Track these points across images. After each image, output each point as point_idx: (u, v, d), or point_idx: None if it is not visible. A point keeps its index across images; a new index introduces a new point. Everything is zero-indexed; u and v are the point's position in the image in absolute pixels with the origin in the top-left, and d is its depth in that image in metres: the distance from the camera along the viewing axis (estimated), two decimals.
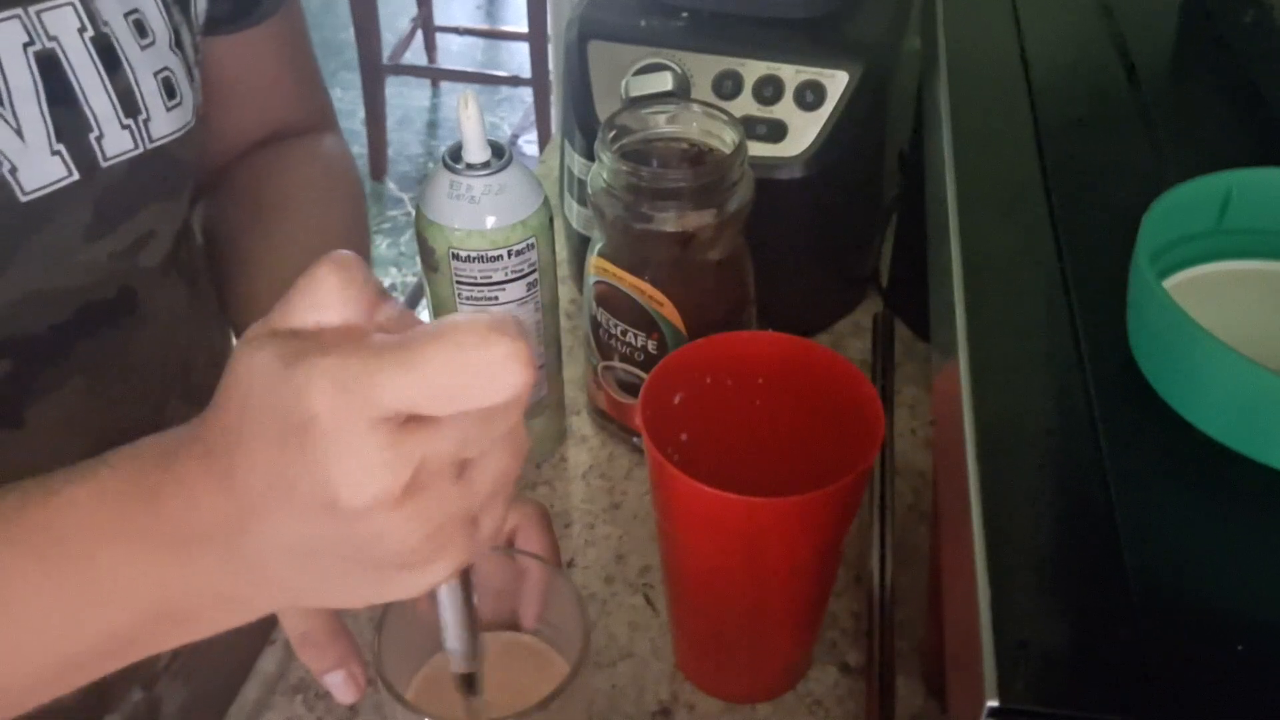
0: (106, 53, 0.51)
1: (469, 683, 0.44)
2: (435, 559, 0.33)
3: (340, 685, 0.50)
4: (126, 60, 0.52)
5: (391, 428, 0.30)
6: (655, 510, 0.54)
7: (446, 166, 0.63)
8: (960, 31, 0.57)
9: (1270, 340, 0.38)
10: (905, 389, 0.76)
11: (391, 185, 2.91)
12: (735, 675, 0.59)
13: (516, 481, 0.36)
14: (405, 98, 3.21)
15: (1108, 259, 0.39)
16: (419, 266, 0.68)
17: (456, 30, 3.27)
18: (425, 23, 3.09)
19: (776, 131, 0.72)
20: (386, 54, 2.79)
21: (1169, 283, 0.40)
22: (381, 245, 2.72)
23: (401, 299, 2.49)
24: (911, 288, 0.80)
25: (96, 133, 0.51)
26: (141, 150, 0.53)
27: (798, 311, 0.79)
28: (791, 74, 0.72)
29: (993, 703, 0.28)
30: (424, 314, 0.74)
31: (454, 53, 3.43)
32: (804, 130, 0.72)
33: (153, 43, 0.54)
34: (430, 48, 3.22)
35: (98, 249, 0.53)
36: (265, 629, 0.64)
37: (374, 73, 2.72)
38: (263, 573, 0.34)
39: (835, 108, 0.71)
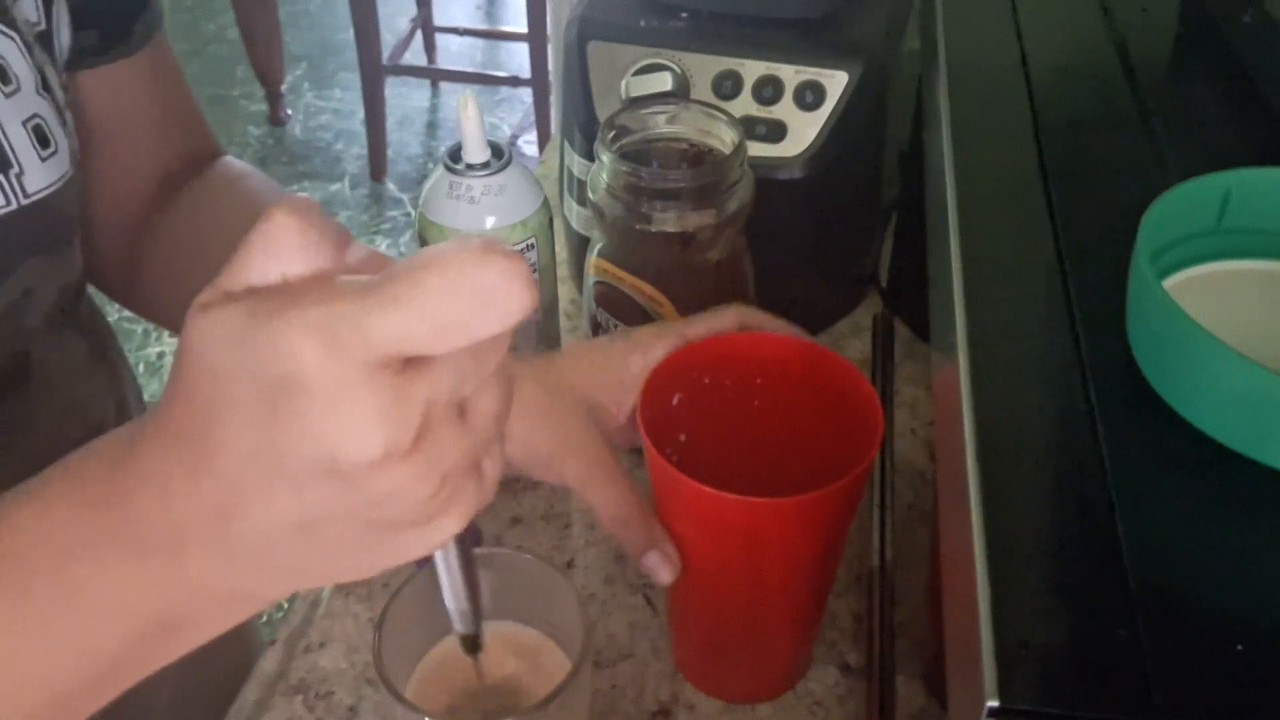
0: None
1: (471, 643, 0.43)
2: (447, 510, 0.31)
3: (658, 565, 0.52)
4: None
5: (392, 373, 0.28)
6: (655, 511, 0.54)
7: (446, 167, 0.63)
8: (960, 31, 0.57)
9: (1270, 340, 0.38)
10: (905, 389, 0.76)
11: (391, 185, 2.91)
12: (735, 675, 0.59)
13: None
14: (405, 98, 3.21)
15: (1108, 259, 0.39)
16: None
17: (456, 31, 3.27)
18: (425, 23, 3.09)
19: (776, 131, 0.72)
20: (386, 54, 2.79)
21: (1169, 283, 0.40)
22: (381, 245, 2.71)
23: None
24: (911, 288, 0.80)
25: None
26: (15, 207, 0.50)
27: (798, 311, 0.78)
28: (791, 74, 0.72)
29: (993, 703, 0.28)
30: None
31: (453, 53, 3.43)
32: (804, 130, 0.72)
33: (17, 89, 0.50)
34: (430, 48, 3.22)
35: None
36: (264, 629, 0.64)
37: (374, 73, 2.72)
38: (260, 559, 0.31)
39: (835, 108, 0.71)
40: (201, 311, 0.29)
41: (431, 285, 0.27)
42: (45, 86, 0.52)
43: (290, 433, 0.28)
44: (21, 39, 0.51)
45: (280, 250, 0.29)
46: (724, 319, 0.58)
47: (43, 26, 0.54)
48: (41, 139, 0.51)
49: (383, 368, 0.27)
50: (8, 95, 0.50)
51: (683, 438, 0.56)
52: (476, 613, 0.41)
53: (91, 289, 0.64)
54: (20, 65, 0.51)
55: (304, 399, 0.27)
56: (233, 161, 0.68)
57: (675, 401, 0.56)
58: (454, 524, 0.32)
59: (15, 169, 0.50)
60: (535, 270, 0.65)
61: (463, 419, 0.30)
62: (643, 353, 0.55)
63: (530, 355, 0.59)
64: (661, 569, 0.52)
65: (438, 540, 0.32)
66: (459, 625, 0.42)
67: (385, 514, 0.30)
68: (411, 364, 0.28)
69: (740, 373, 0.57)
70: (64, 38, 0.55)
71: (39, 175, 0.51)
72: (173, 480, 0.30)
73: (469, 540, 0.39)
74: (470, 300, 0.27)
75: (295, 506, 0.30)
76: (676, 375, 0.55)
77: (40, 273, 0.54)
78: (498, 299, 0.27)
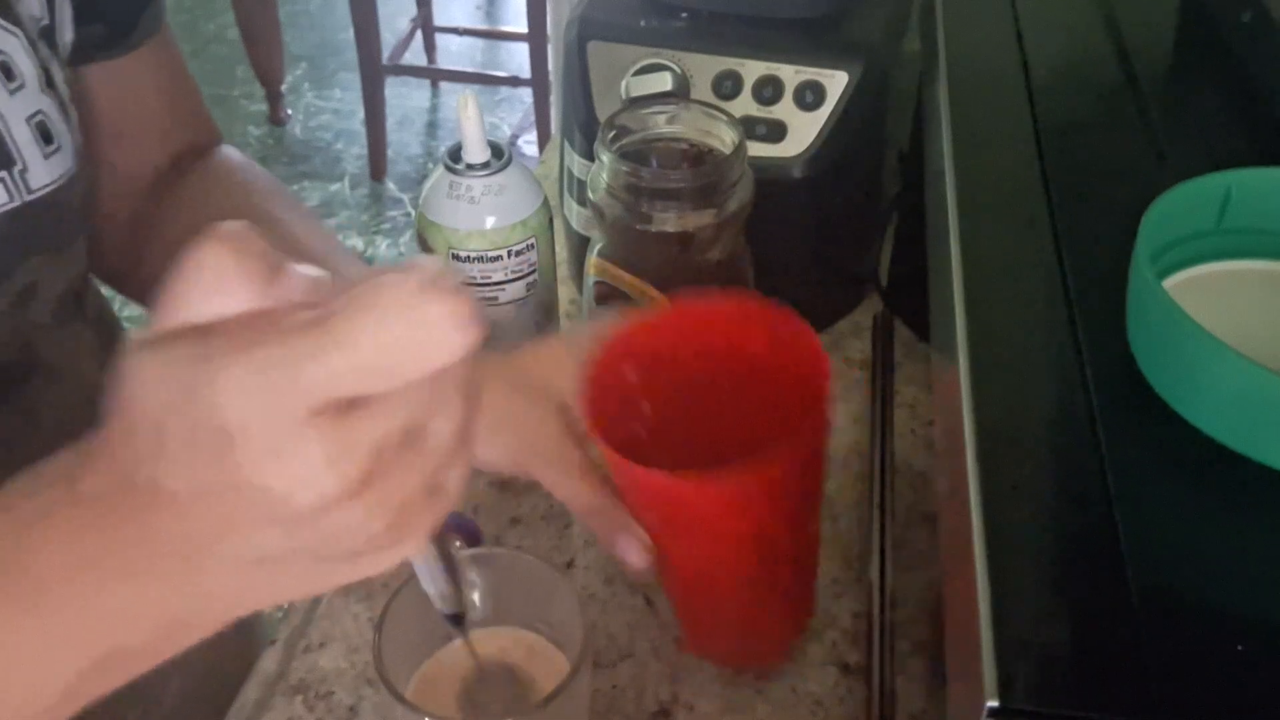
0: None
1: (456, 621, 0.44)
2: (405, 536, 0.31)
3: (627, 549, 0.51)
4: None
5: (332, 418, 0.27)
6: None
7: (446, 167, 0.63)
8: (960, 31, 0.57)
9: (1270, 340, 0.38)
10: (905, 389, 0.76)
11: (391, 185, 2.91)
12: (723, 643, 0.58)
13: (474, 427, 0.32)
14: (405, 98, 3.21)
15: (1108, 259, 0.39)
16: None
17: (456, 31, 3.27)
18: (425, 23, 3.09)
19: (776, 131, 0.72)
20: (386, 54, 2.79)
21: (1169, 283, 0.40)
22: (381, 245, 2.72)
23: None
24: (911, 288, 0.79)
25: None
26: (18, 203, 0.50)
27: (798, 312, 0.79)
28: (791, 74, 0.72)
29: (993, 703, 0.28)
30: None
31: (454, 53, 3.43)
32: (804, 130, 0.72)
33: (21, 86, 0.50)
34: (430, 48, 3.21)
35: None
36: (265, 629, 0.64)
37: (374, 73, 2.72)
38: (226, 591, 0.32)
39: (835, 108, 0.71)
40: (139, 351, 0.28)
41: (366, 328, 0.27)
42: (49, 83, 0.52)
43: (237, 483, 0.28)
44: (25, 35, 0.51)
45: (213, 283, 0.28)
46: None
47: (46, 21, 0.54)
48: (45, 135, 0.51)
49: (322, 413, 0.27)
50: (11, 92, 0.50)
51: (646, 407, 0.55)
52: (457, 592, 0.42)
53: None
54: (24, 62, 0.50)
55: (244, 453, 0.27)
56: (231, 152, 0.68)
57: (631, 375, 0.54)
58: (412, 546, 0.32)
59: (19, 166, 0.50)
60: (535, 270, 0.65)
61: (418, 446, 0.30)
62: None
63: (495, 354, 0.58)
64: (630, 552, 0.52)
65: (399, 559, 0.32)
66: (440, 606, 0.42)
67: (341, 548, 0.30)
68: (357, 404, 0.28)
69: (701, 340, 0.55)
70: (67, 33, 0.55)
71: (42, 172, 0.51)
72: (153, 519, 0.30)
73: (442, 534, 0.39)
74: (406, 342, 0.27)
75: (256, 546, 0.30)
76: (631, 349, 0.54)
77: (45, 269, 0.53)
78: (436, 339, 0.27)
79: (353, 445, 0.28)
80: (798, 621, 0.60)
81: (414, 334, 0.27)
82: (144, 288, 0.66)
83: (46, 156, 0.51)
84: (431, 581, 0.40)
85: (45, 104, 0.51)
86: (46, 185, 0.51)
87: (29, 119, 0.50)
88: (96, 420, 0.61)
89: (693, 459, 0.49)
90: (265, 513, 0.28)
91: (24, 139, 0.50)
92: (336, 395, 0.27)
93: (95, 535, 0.31)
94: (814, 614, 0.60)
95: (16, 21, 0.51)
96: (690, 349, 0.56)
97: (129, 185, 0.64)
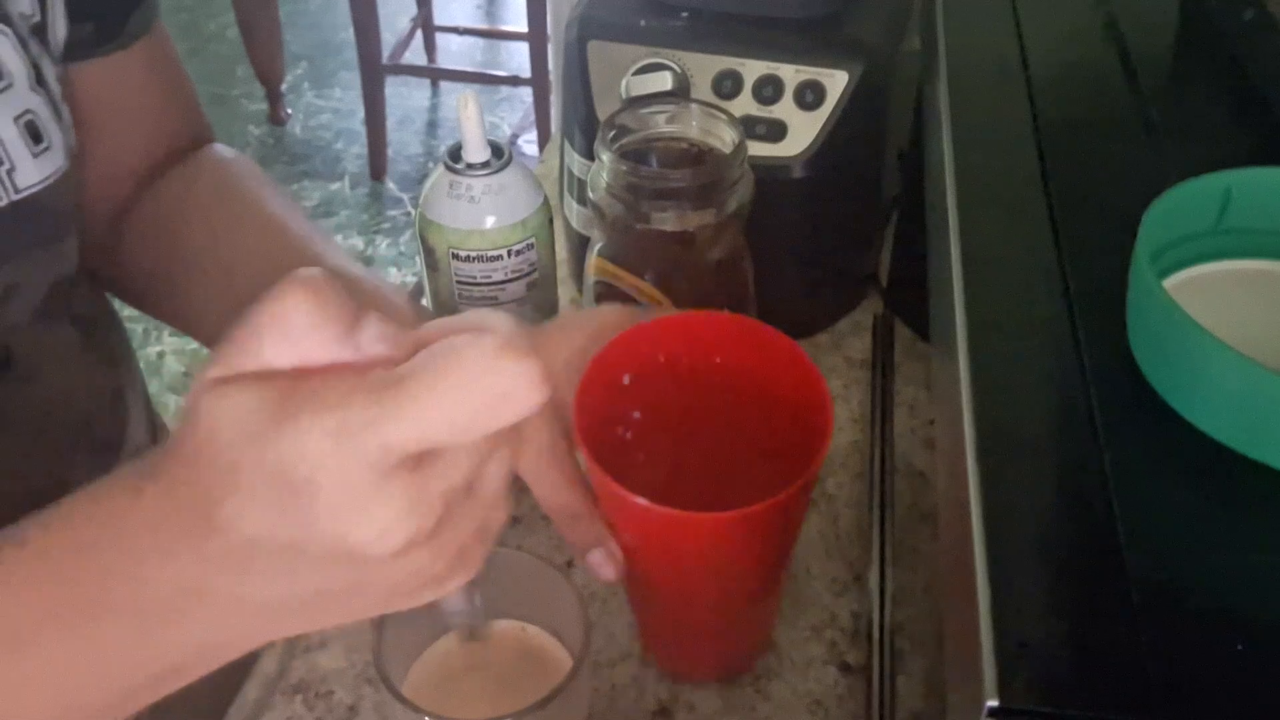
0: None
1: (472, 633, 0.46)
2: (459, 572, 0.33)
3: (601, 564, 0.50)
4: None
5: (409, 472, 0.29)
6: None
7: (446, 167, 0.63)
8: (960, 31, 0.57)
9: (1270, 340, 0.38)
10: (905, 389, 0.76)
11: (391, 185, 2.91)
12: (682, 657, 0.59)
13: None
14: (405, 98, 3.21)
15: (1108, 259, 0.39)
16: (419, 266, 0.68)
17: (456, 30, 3.27)
18: (425, 23, 3.09)
19: (776, 131, 0.72)
20: (386, 54, 2.79)
21: (1169, 283, 0.40)
22: (381, 245, 2.71)
23: None
24: (911, 288, 0.80)
25: None
26: (4, 203, 0.49)
27: (798, 311, 0.79)
28: (791, 74, 0.72)
29: (993, 703, 0.28)
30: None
31: (454, 53, 3.43)
32: (804, 130, 0.72)
33: (10, 85, 0.50)
34: (430, 48, 3.21)
35: None
36: None
37: (374, 73, 2.72)
38: (265, 620, 0.33)
39: (835, 108, 0.71)
40: (215, 392, 0.29)
41: (445, 389, 0.28)
42: (39, 81, 0.51)
43: (310, 529, 0.29)
44: (15, 33, 0.51)
45: (293, 331, 0.29)
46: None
47: (38, 19, 0.53)
48: (34, 135, 0.51)
49: (399, 468, 0.29)
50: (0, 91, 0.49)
51: (637, 414, 0.55)
52: (474, 610, 0.43)
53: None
54: (13, 60, 0.50)
55: (323, 501, 0.29)
56: (219, 148, 0.67)
57: (626, 381, 0.54)
58: (464, 578, 0.34)
59: (6, 165, 0.49)
60: (535, 270, 0.65)
61: (476, 492, 0.32)
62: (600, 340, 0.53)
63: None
64: (605, 568, 0.51)
65: (445, 593, 0.34)
66: (456, 622, 0.43)
67: (402, 586, 0.32)
68: (428, 457, 0.30)
69: (696, 351, 0.55)
70: (60, 30, 0.55)
71: (30, 171, 0.50)
72: (177, 547, 0.31)
73: None
74: (483, 402, 0.29)
75: (311, 584, 0.31)
76: (627, 354, 0.53)
77: (28, 268, 0.53)
78: (511, 400, 0.29)
79: (426, 497, 0.30)
80: (765, 634, 0.60)
81: (492, 395, 0.29)
82: (122, 280, 0.65)
83: (35, 155, 0.51)
84: (448, 599, 0.42)
85: (35, 102, 0.51)
86: (35, 184, 0.51)
87: (17, 118, 0.50)
88: (77, 419, 0.61)
89: (679, 471, 0.48)
90: (336, 558, 0.30)
91: (10, 138, 0.50)
92: (416, 449, 0.29)
93: (86, 587, 0.32)
94: (766, 650, 0.60)
95: (6, 19, 0.50)
96: (685, 360, 0.55)
97: (111, 183, 0.63)
